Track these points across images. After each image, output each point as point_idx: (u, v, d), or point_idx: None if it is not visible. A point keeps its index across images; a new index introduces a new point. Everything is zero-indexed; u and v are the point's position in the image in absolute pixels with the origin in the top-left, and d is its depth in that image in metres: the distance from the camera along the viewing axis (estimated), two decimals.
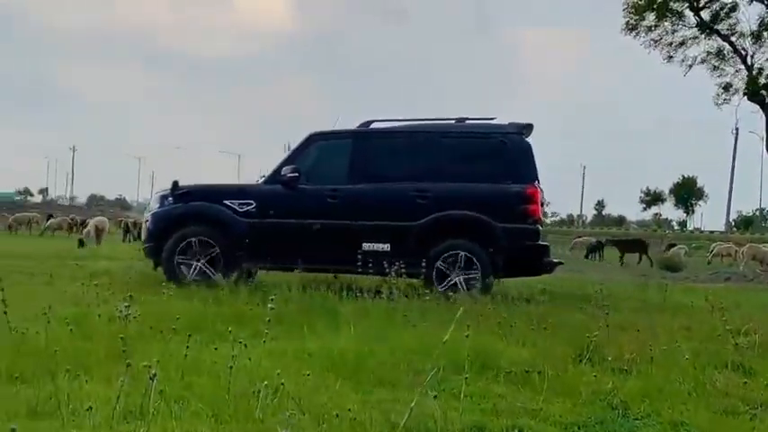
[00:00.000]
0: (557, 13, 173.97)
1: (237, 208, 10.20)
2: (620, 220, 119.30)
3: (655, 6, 27.58)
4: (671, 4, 27.59)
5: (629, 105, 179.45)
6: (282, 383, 3.89)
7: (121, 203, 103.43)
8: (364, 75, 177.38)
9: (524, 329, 6.23)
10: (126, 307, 5.36)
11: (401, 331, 6.07)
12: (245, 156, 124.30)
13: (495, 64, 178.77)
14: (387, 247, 9.91)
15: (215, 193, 10.55)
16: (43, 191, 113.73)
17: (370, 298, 7.98)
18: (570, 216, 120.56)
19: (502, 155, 10.23)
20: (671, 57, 28.30)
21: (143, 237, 11.15)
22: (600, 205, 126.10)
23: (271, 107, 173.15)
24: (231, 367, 3.99)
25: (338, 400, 4.02)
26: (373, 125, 10.87)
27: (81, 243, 22.26)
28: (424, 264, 9.70)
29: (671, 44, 28.26)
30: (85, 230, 25.07)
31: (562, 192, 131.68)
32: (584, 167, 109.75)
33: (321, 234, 10.03)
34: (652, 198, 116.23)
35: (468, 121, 10.74)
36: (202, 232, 10.19)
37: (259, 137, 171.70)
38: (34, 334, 5.01)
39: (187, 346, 4.35)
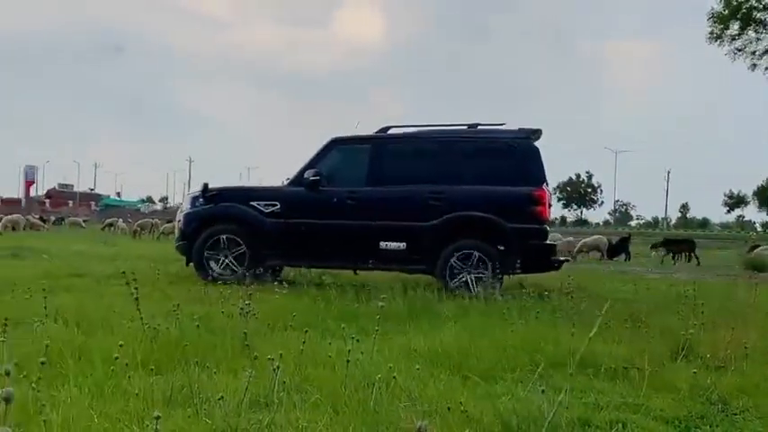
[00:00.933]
0: (641, 24, 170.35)
1: (263, 209, 10.69)
2: (704, 223, 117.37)
3: (739, 16, 26.89)
4: (755, 13, 26.83)
5: (714, 113, 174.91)
6: (394, 377, 4.04)
7: None
8: (454, 88, 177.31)
9: (619, 328, 6.20)
10: (247, 305, 5.60)
11: (501, 329, 6.14)
12: None
13: (580, 76, 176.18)
14: (402, 245, 10.32)
15: (242, 195, 11.08)
16: (164, 199, 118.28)
17: (466, 297, 8.15)
18: (655, 218, 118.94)
19: (511, 159, 10.51)
20: (755, 65, 27.61)
21: (176, 236, 11.74)
22: (684, 208, 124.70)
23: (369, 119, 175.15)
24: (348, 361, 4.15)
25: (448, 393, 4.13)
26: (391, 131, 11.18)
27: None
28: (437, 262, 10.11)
29: (754, 53, 27.59)
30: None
31: (648, 196, 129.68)
32: (669, 172, 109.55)
33: (340, 233, 10.49)
34: (735, 201, 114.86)
35: (479, 127, 11.05)
36: (230, 231, 10.72)
37: None
38: (165, 329, 5.29)
39: (303, 342, 4.52)
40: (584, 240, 27.68)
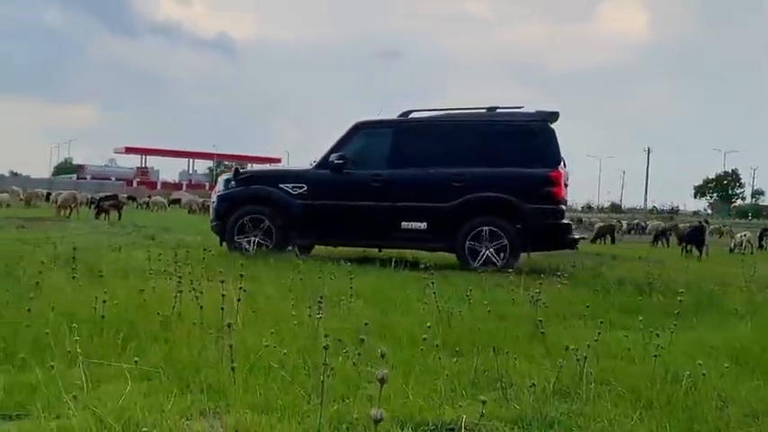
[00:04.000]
0: None
1: (291, 190, 10.77)
2: None
3: None
4: None
5: None
6: (704, 374, 3.66)
7: None
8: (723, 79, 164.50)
9: None
10: (537, 293, 5.42)
11: None
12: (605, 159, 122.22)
13: None
14: (424, 225, 10.39)
15: (271, 178, 11.28)
16: None
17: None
18: None
19: (529, 141, 10.47)
20: None
21: (210, 216, 11.82)
22: None
23: (636, 114, 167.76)
24: (656, 356, 3.83)
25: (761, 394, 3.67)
26: (412, 115, 11.13)
27: None
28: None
29: None
30: None
31: None
32: None
33: (364, 214, 10.57)
34: None
35: (498, 110, 10.99)
36: (260, 211, 10.80)
37: (621, 142, 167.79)
38: (458, 313, 5.25)
39: (599, 333, 4.26)
40: None
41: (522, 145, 10.46)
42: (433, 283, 5.41)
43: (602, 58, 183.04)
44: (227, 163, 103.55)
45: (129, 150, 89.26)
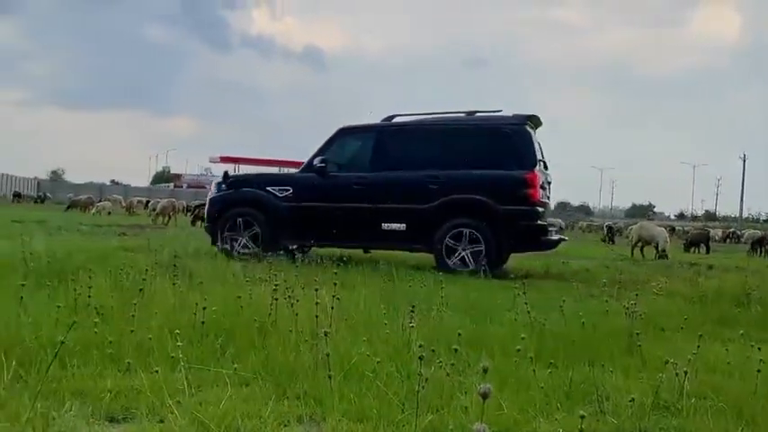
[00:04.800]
0: None
1: (278, 193, 11.12)
2: None
3: None
4: None
5: None
6: None
7: (585, 209, 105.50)
8: None
9: None
10: (632, 304, 5.27)
11: None
12: (699, 166, 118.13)
13: None
14: (403, 226, 10.58)
15: (259, 181, 11.65)
16: None
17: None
18: None
19: (505, 144, 10.61)
20: None
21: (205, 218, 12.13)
22: None
23: (724, 118, 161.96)
24: (759, 371, 3.66)
25: None
26: (396, 119, 11.40)
27: None
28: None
29: None
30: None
31: None
32: None
33: (346, 215, 10.81)
34: None
35: (477, 114, 11.27)
36: (248, 213, 11.12)
37: (715, 148, 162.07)
38: (549, 323, 5.19)
39: (698, 346, 4.09)
40: None
41: (499, 148, 10.64)
42: (524, 293, 5.32)
43: (695, 63, 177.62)
44: None
45: (223, 159, 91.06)
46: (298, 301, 4.76)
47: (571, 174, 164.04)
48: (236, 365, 3.60)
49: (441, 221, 10.41)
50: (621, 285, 7.88)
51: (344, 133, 11.51)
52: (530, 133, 10.71)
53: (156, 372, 3.40)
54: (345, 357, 3.86)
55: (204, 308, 4.44)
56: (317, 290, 4.33)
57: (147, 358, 3.88)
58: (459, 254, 10.30)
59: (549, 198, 11.80)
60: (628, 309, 5.29)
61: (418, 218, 10.52)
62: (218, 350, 4.17)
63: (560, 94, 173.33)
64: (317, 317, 4.25)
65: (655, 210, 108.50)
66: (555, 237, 11.12)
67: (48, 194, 60.75)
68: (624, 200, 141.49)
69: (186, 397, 3.22)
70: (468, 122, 11.21)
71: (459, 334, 3.94)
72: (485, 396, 1.69)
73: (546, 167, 11.24)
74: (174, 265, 6.90)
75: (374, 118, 11.84)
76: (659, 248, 18.29)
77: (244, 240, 11.02)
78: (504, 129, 10.74)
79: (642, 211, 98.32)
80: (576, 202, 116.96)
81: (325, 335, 3.46)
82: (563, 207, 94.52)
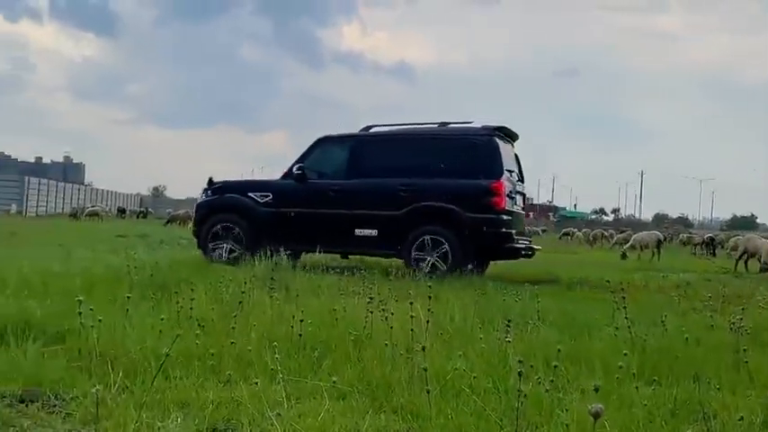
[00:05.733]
0: None
1: (259, 199, 11.52)
2: None
3: None
4: None
5: None
6: None
7: (684, 221, 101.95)
8: None
9: None
10: (739, 319, 5.04)
11: None
12: None
13: None
14: (374, 232, 10.89)
15: (242, 188, 12.07)
16: (615, 210, 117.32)
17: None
18: None
19: (472, 154, 10.93)
20: None
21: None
22: None
23: None
24: None
25: None
26: (372, 129, 11.83)
27: (624, 255, 22.44)
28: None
29: None
30: (628, 244, 25.01)
31: None
32: None
33: (322, 221, 11.17)
34: None
35: (449, 125, 11.64)
36: (231, 219, 11.53)
37: None
38: (648, 338, 5.02)
39: None
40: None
41: (467, 157, 10.95)
42: (625, 307, 5.15)
43: None
44: None
45: None
46: (393, 314, 4.76)
47: (669, 185, 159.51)
48: (335, 379, 3.61)
49: (410, 228, 10.75)
50: (725, 299, 7.56)
51: (323, 142, 11.91)
52: (497, 144, 10.98)
53: (256, 383, 3.45)
54: (441, 372, 3.82)
55: (301, 320, 4.49)
56: (411, 303, 4.30)
57: (247, 370, 3.94)
58: (427, 259, 10.57)
59: (522, 207, 12.15)
60: (733, 323, 5.06)
61: (389, 224, 10.88)
62: (314, 362, 4.20)
63: (657, 104, 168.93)
64: (412, 330, 4.23)
65: (757, 221, 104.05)
66: (521, 245, 11.34)
67: (149, 210, 63.05)
68: (724, 211, 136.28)
69: (285, 409, 3.24)
70: (439, 133, 11.59)
71: (559, 350, 3.84)
72: (596, 416, 1.63)
73: (521, 178, 11.83)
74: (272, 278, 7.02)
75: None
76: (762, 261, 17.50)
77: (226, 244, 11.40)
78: (472, 139, 11.14)
79: (744, 223, 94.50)
80: (674, 214, 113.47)
81: (423, 349, 3.43)
82: (660, 219, 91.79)
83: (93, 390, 2.89)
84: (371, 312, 4.78)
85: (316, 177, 11.58)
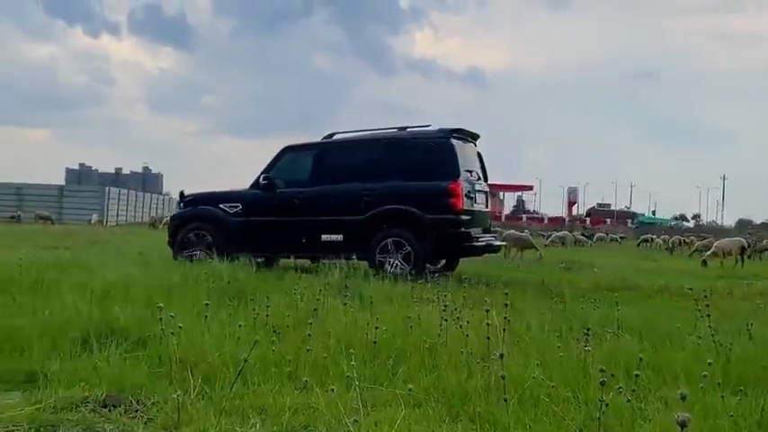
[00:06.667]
0: None
1: (228, 210, 11.87)
2: None
3: None
4: None
5: None
6: None
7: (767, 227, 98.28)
8: None
9: None
10: None
11: None
12: None
13: None
14: (340, 237, 11.16)
15: (212, 199, 12.32)
16: (696, 216, 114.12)
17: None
18: None
19: (430, 156, 11.18)
20: None
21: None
22: None
23: None
24: None
25: None
26: (336, 137, 12.29)
27: (704, 263, 21.77)
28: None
29: None
30: (710, 251, 24.25)
31: None
32: None
33: (289, 228, 11.46)
34: None
35: (408, 129, 11.85)
36: (202, 228, 11.84)
37: None
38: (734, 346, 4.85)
39: None
40: None
41: (425, 160, 11.21)
42: (709, 315, 5.00)
43: None
44: None
45: None
46: (468, 322, 4.73)
47: (752, 189, 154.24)
48: (410, 387, 3.60)
49: (373, 231, 11.02)
50: None
51: (288, 151, 12.28)
52: (453, 146, 11.24)
53: (332, 390, 3.47)
54: (519, 380, 3.77)
55: (376, 327, 4.50)
56: (487, 311, 4.26)
57: (323, 376, 3.97)
58: (391, 261, 10.80)
59: (485, 207, 12.30)
60: None
61: (353, 229, 11.13)
62: (389, 370, 4.21)
63: (737, 106, 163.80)
64: (488, 339, 4.20)
65: None
66: (481, 243, 11.56)
67: None
68: None
69: (362, 416, 3.25)
70: (398, 137, 11.79)
71: (641, 359, 3.75)
72: (683, 425, 1.59)
73: (484, 178, 12.12)
74: (345, 286, 7.06)
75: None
76: None
77: (199, 253, 11.60)
78: (429, 142, 11.36)
79: None
80: (758, 220, 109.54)
81: (501, 357, 3.39)
82: (744, 225, 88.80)
83: (175, 395, 2.96)
84: (446, 320, 4.76)
85: (282, 186, 11.86)
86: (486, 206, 12.44)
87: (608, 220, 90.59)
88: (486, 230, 12.27)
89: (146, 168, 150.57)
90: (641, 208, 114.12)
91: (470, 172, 11.55)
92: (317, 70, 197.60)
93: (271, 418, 3.36)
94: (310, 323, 4.71)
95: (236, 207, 11.91)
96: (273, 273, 9.46)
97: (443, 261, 12.21)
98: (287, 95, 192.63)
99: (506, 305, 4.33)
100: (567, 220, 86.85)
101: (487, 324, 4.25)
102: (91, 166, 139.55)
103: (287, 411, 3.41)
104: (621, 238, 51.79)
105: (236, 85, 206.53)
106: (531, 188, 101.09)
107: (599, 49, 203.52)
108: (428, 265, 11.15)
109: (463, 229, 11.01)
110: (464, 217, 11.03)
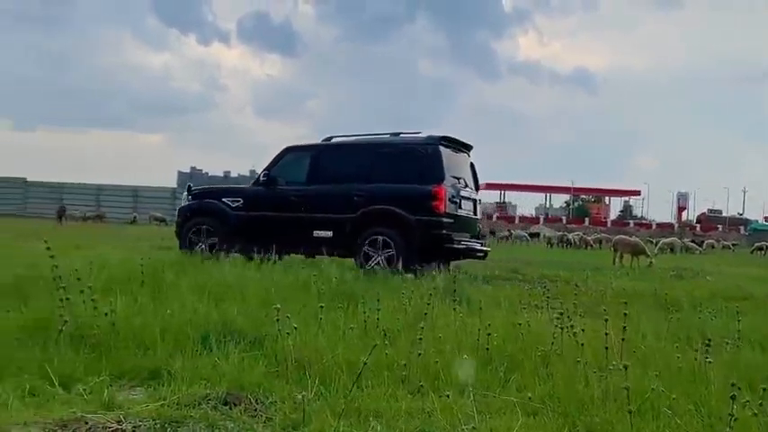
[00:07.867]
0: None
1: (231, 204, 12.45)
2: None
3: None
4: None
5: None
6: None
7: None
8: None
9: None
10: None
11: None
12: None
13: None
14: (330, 234, 11.63)
15: (216, 193, 13.11)
16: None
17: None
18: None
19: (418, 161, 11.70)
20: None
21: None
22: None
23: None
24: None
25: None
26: (334, 140, 12.73)
27: None
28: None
29: None
30: None
31: None
32: None
33: (284, 224, 11.95)
34: None
35: (401, 135, 12.42)
36: (207, 222, 12.44)
37: None
38: None
39: None
40: None
41: (413, 164, 11.68)
42: None
43: None
44: (584, 197, 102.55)
45: (489, 186, 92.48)
46: (583, 330, 4.64)
47: None
48: (529, 394, 3.56)
49: (361, 229, 11.48)
50: None
51: (289, 151, 12.83)
52: (439, 152, 11.64)
53: (447, 396, 3.46)
54: (637, 391, 3.66)
55: (488, 334, 4.47)
56: (606, 320, 4.17)
57: (434, 381, 3.97)
58: (376, 258, 11.21)
59: (473, 213, 12.59)
60: None
61: (342, 226, 11.60)
62: (502, 377, 4.17)
63: None
64: (606, 348, 4.10)
65: None
66: (461, 246, 11.81)
67: None
68: None
69: (477, 423, 3.24)
70: (389, 142, 12.36)
71: None
72: None
73: (474, 187, 12.65)
74: (454, 290, 7.05)
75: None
76: None
77: (203, 243, 12.24)
78: (417, 148, 11.90)
79: None
80: None
81: (625, 368, 3.31)
82: None
83: (300, 396, 3.01)
84: (562, 329, 4.68)
85: (282, 184, 12.40)
86: (475, 213, 12.88)
87: (719, 226, 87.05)
88: (475, 237, 12.73)
89: (252, 171, 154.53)
90: (754, 215, 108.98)
91: (458, 179, 12.06)
92: (420, 76, 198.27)
93: (386, 422, 3.38)
94: (422, 327, 4.73)
95: (238, 202, 12.57)
96: (381, 276, 9.52)
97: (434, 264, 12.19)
98: (390, 101, 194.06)
99: (625, 314, 4.22)
100: (676, 226, 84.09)
101: (606, 333, 4.15)
102: (201, 170, 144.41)
103: (402, 415, 3.42)
104: (734, 245, 49.75)
105: (339, 91, 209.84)
106: (638, 193, 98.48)
107: (710, 49, 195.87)
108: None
109: (444, 231, 11.42)
110: (446, 220, 11.46)
